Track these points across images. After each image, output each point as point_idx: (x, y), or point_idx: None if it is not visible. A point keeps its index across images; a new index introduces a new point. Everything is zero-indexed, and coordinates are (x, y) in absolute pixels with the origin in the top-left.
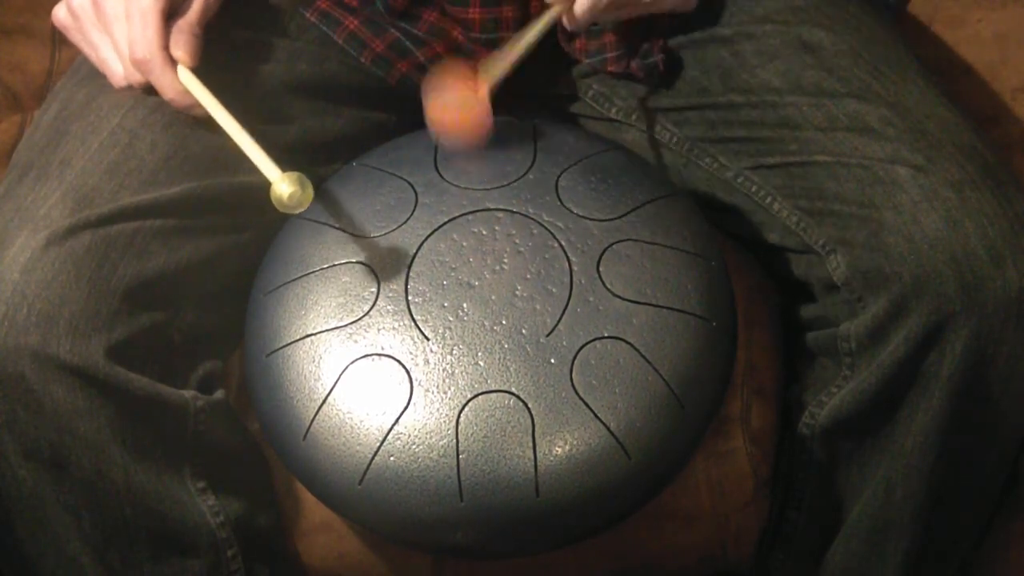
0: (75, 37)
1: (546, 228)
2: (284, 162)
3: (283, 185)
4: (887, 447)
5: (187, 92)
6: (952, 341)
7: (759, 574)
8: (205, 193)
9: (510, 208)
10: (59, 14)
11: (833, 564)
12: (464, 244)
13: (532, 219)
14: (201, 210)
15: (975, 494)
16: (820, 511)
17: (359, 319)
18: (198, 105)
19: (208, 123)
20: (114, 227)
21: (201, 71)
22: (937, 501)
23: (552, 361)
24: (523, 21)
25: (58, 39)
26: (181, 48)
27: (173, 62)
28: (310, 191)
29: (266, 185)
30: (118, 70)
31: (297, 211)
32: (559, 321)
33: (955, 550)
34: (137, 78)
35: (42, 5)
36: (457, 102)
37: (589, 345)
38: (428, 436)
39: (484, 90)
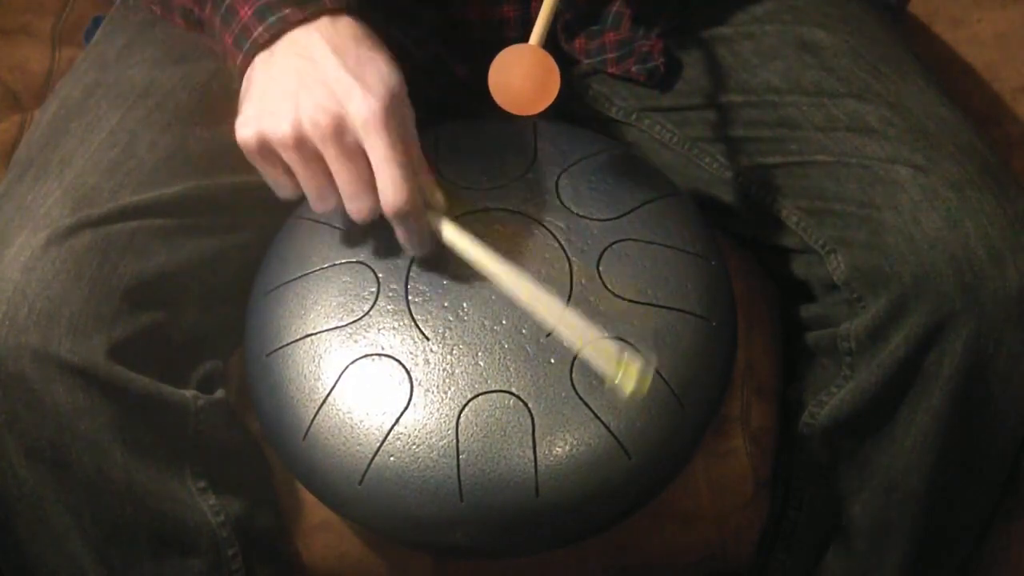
0: (265, 163)
1: (546, 228)
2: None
3: (627, 380)
4: (887, 447)
5: (434, 240)
6: (952, 341)
7: (759, 574)
8: (205, 193)
9: (510, 208)
10: (247, 139)
11: (833, 564)
12: None
13: (532, 219)
14: (201, 210)
15: (975, 494)
16: (820, 511)
17: (359, 319)
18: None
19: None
20: (114, 226)
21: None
22: (937, 501)
23: (552, 361)
24: (523, 21)
25: (58, 39)
26: (435, 195)
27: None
28: (649, 375)
29: None
30: (329, 205)
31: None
32: None
33: (955, 550)
34: (368, 217)
35: (42, 5)
36: (518, 57)
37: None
38: (428, 436)
39: (537, 44)
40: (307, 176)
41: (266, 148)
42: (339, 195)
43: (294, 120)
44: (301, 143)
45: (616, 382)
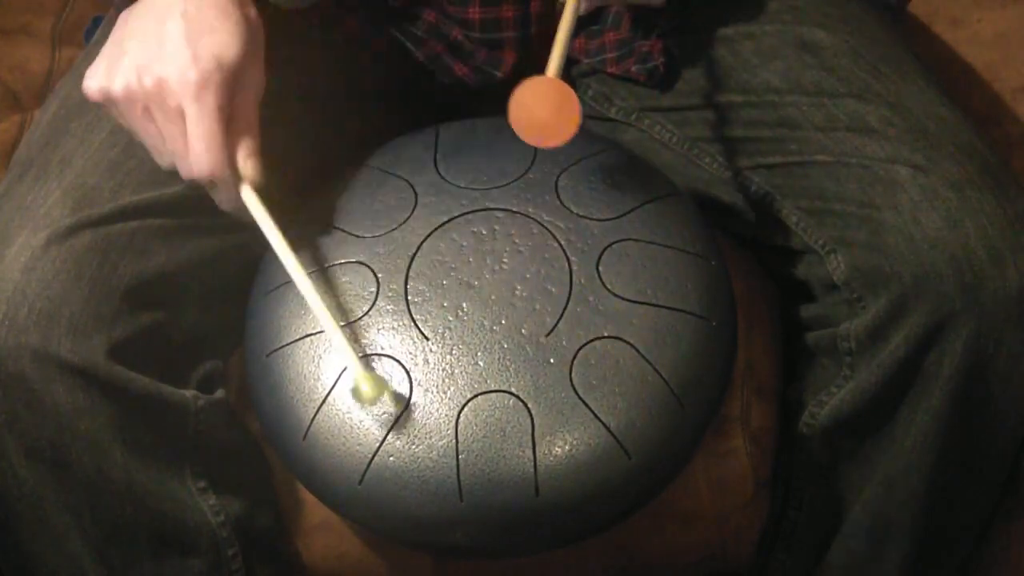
0: (114, 114)
1: (546, 228)
2: (284, 162)
3: (364, 386)
4: (887, 447)
5: (243, 207)
6: (952, 341)
7: (759, 574)
8: (205, 193)
9: (510, 208)
10: (91, 88)
11: (833, 564)
12: (464, 244)
13: (532, 219)
14: (201, 209)
15: (975, 494)
16: (820, 511)
17: (359, 319)
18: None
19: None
20: (114, 226)
21: None
22: (937, 501)
23: (552, 361)
24: (523, 21)
25: (58, 39)
26: (252, 166)
27: (237, 177)
28: (388, 392)
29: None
30: (164, 162)
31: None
32: (559, 321)
33: (955, 550)
34: (187, 177)
35: (42, 5)
36: (539, 88)
37: (589, 345)
38: (428, 436)
39: (555, 75)
40: (141, 131)
41: (108, 101)
42: (163, 157)
43: (127, 79)
44: (131, 101)
45: (363, 397)
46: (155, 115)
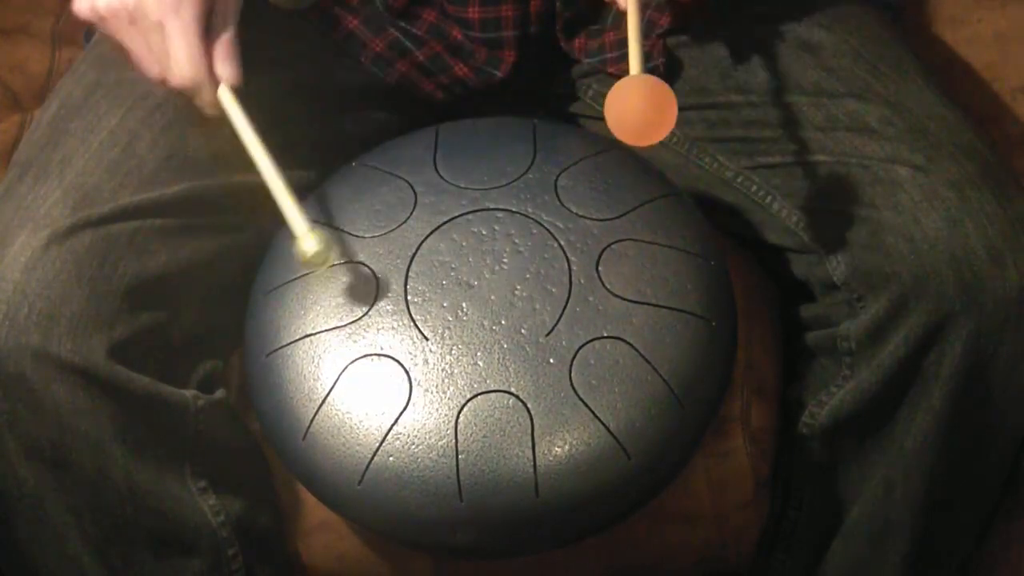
0: (104, 29)
1: (545, 228)
2: (283, 162)
3: (309, 242)
4: (887, 447)
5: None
6: (952, 341)
7: (759, 574)
8: (205, 193)
9: (509, 208)
10: (81, 8)
11: (833, 564)
12: (463, 244)
13: (531, 219)
14: (201, 210)
15: (975, 494)
16: (820, 511)
17: (358, 319)
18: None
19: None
20: (115, 226)
21: None
22: (937, 501)
23: (551, 361)
24: (523, 20)
25: (58, 39)
26: (229, 69)
27: (216, 80)
28: (334, 252)
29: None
30: (152, 72)
31: (317, 268)
32: (558, 321)
33: (955, 550)
34: (172, 86)
35: (42, 5)
36: (634, 86)
37: (588, 345)
38: (427, 436)
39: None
40: (128, 45)
41: (96, 19)
42: (151, 66)
43: None
44: (116, 17)
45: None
46: (139, 28)
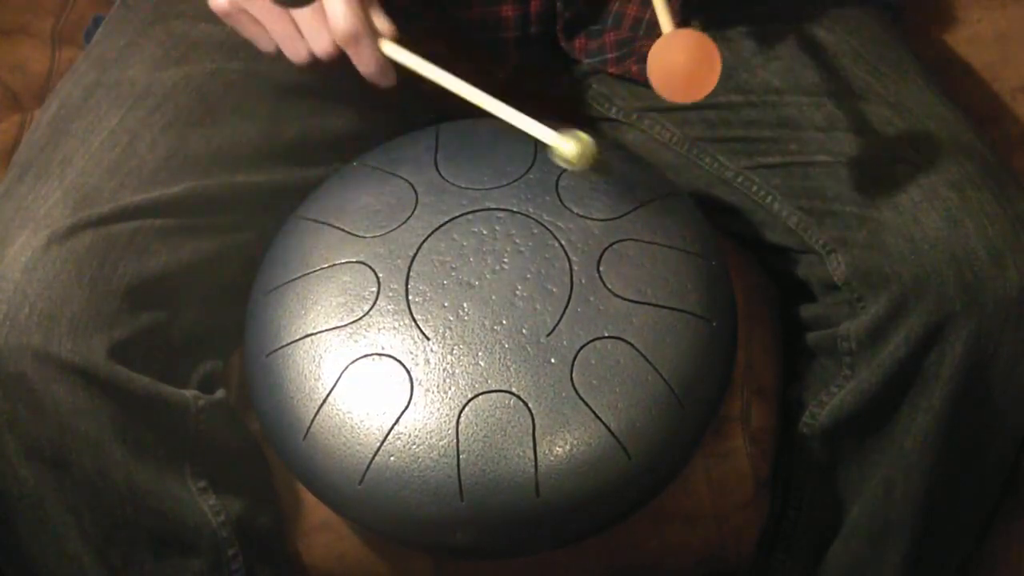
0: (235, 21)
1: (546, 228)
2: (284, 161)
3: (567, 145)
4: (887, 447)
5: (389, 65)
6: (952, 341)
7: (759, 574)
8: (205, 193)
9: (510, 208)
10: (219, 4)
11: (833, 564)
12: (464, 244)
13: (532, 219)
14: (201, 210)
15: (975, 494)
16: (820, 511)
17: (359, 319)
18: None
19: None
20: (115, 226)
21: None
22: (937, 501)
23: (552, 361)
24: (523, 21)
25: (58, 39)
26: (383, 21)
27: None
28: (592, 147)
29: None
30: (299, 50)
31: (582, 167)
32: (559, 321)
33: (955, 550)
34: (330, 52)
35: (42, 5)
36: (679, 41)
37: (589, 345)
38: (428, 436)
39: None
40: (272, 21)
41: (236, 8)
42: (297, 40)
43: None
44: None
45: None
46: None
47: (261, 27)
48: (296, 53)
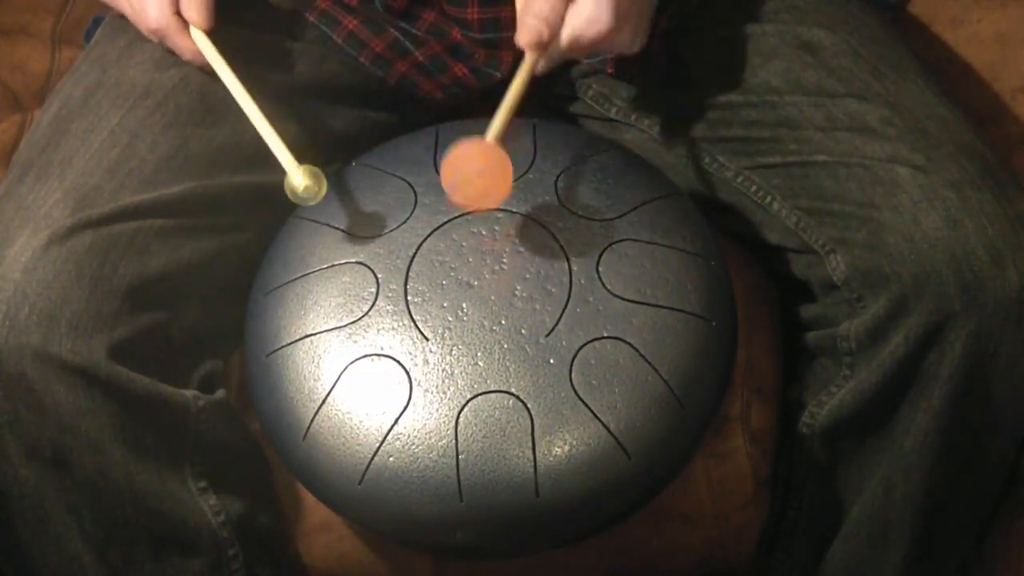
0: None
1: (546, 228)
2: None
3: (298, 177)
4: (887, 447)
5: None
6: (952, 341)
7: (759, 574)
8: (205, 193)
9: (510, 208)
10: None
11: (833, 564)
12: (464, 244)
13: (532, 219)
14: (201, 210)
15: (975, 494)
16: (820, 511)
17: (359, 319)
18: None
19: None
20: (115, 226)
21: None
22: (937, 501)
23: (551, 361)
24: None
25: (58, 39)
26: (195, 11)
27: (187, 24)
28: (324, 186)
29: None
30: (140, 26)
31: (309, 203)
32: (559, 321)
33: (955, 550)
34: (155, 37)
35: (42, 5)
36: (471, 152)
37: (589, 345)
38: (428, 436)
39: (492, 140)
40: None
41: None
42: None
43: None
44: None
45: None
46: None
47: None
48: (139, 25)
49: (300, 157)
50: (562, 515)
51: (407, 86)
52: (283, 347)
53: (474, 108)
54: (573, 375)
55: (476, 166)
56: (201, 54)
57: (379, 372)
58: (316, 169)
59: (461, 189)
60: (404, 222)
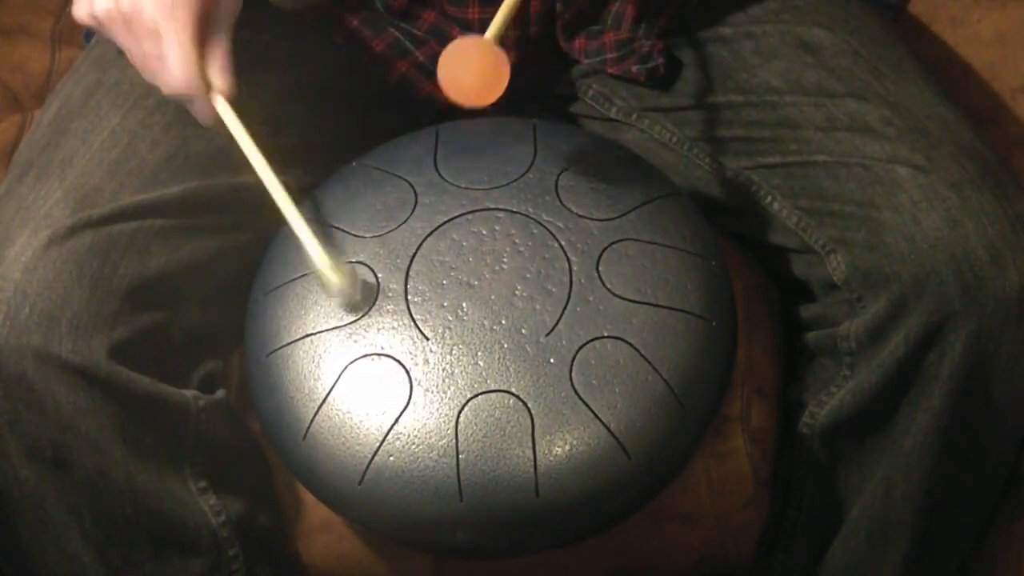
0: (103, 34)
1: (546, 228)
2: (284, 161)
3: (332, 277)
4: (887, 447)
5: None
6: (952, 341)
7: (759, 574)
8: (206, 193)
9: (510, 208)
10: (80, 14)
11: (833, 564)
12: (464, 244)
13: (532, 219)
14: (202, 210)
15: (975, 494)
16: (820, 511)
17: (359, 319)
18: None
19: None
20: (115, 227)
21: None
22: (937, 501)
23: (552, 361)
24: (523, 21)
25: (58, 39)
26: (223, 79)
27: (210, 89)
28: (357, 284)
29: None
30: (148, 77)
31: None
32: (559, 321)
33: (955, 550)
34: (166, 94)
35: (42, 5)
36: (470, 49)
37: (589, 345)
38: (428, 436)
39: (490, 37)
40: (127, 50)
41: (95, 22)
42: (146, 74)
43: (107, 1)
44: (112, 21)
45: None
46: (135, 33)
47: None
48: (146, 77)
49: (300, 157)
50: (562, 515)
51: (407, 86)
52: (283, 347)
53: (474, 109)
54: (573, 375)
55: (473, 64)
56: (217, 120)
57: (379, 372)
58: (351, 269)
59: (456, 86)
60: (404, 222)
